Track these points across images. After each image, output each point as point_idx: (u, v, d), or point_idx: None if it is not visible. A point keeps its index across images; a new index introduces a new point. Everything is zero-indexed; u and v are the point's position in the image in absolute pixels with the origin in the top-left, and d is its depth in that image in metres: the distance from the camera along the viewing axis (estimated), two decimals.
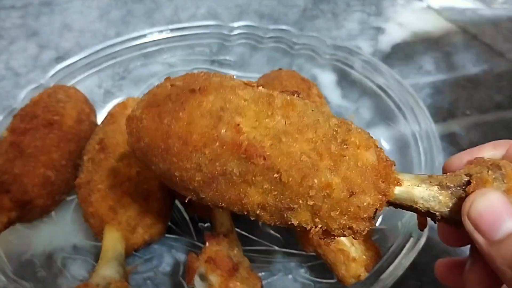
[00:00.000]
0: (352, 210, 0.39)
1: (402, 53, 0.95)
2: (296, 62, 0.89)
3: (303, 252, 0.61)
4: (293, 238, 0.64)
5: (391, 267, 0.56)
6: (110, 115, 0.67)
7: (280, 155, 0.39)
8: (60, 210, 0.67)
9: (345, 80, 0.85)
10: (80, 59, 0.84)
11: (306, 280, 0.61)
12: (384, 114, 0.78)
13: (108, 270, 0.51)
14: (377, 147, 0.41)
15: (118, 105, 0.69)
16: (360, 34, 1.01)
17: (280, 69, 0.75)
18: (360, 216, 0.39)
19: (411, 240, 0.58)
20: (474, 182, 0.38)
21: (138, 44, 0.88)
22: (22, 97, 0.75)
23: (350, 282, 0.54)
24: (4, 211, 0.58)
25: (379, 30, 1.02)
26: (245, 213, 0.43)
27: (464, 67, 0.92)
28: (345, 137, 0.40)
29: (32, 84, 0.78)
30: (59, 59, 0.95)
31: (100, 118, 0.75)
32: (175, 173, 0.43)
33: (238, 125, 0.40)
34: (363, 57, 0.83)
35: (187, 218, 0.67)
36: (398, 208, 0.42)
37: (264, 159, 0.40)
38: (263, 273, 0.61)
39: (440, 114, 0.82)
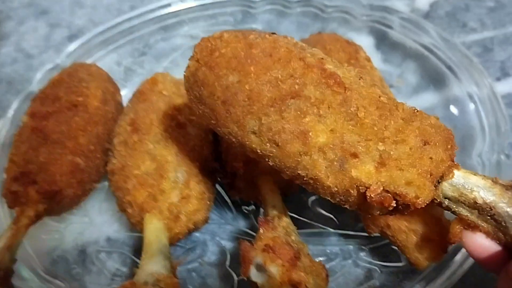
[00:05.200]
0: (423, 161, 0.38)
1: (442, 11, 0.87)
2: (329, 27, 0.81)
3: (362, 233, 0.55)
4: (347, 218, 0.58)
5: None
6: (139, 92, 0.60)
7: (360, 93, 0.40)
8: (90, 199, 0.61)
9: (384, 42, 0.78)
10: (96, 36, 0.77)
11: (369, 264, 0.55)
12: (433, 77, 0.72)
13: (154, 265, 0.46)
14: None
15: (146, 81, 0.62)
16: None
17: (319, 32, 0.68)
18: (429, 171, 0.38)
19: None
20: None
21: (157, 17, 0.82)
22: (38, 79, 0.69)
23: (425, 265, 0.48)
24: (31, 204, 0.52)
25: None
26: (299, 160, 0.40)
27: None
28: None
29: (47, 64, 0.72)
30: (72, 38, 0.88)
31: (123, 97, 0.69)
32: (246, 87, 0.41)
33: (322, 58, 0.42)
34: (403, 15, 0.76)
35: (229, 202, 0.61)
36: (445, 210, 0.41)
37: (345, 89, 0.40)
38: (320, 259, 0.55)
39: (493, 74, 0.75)
